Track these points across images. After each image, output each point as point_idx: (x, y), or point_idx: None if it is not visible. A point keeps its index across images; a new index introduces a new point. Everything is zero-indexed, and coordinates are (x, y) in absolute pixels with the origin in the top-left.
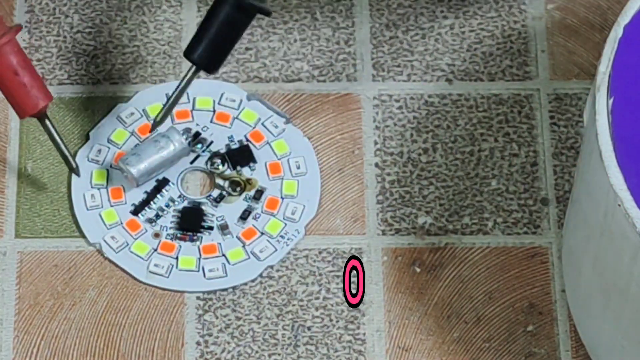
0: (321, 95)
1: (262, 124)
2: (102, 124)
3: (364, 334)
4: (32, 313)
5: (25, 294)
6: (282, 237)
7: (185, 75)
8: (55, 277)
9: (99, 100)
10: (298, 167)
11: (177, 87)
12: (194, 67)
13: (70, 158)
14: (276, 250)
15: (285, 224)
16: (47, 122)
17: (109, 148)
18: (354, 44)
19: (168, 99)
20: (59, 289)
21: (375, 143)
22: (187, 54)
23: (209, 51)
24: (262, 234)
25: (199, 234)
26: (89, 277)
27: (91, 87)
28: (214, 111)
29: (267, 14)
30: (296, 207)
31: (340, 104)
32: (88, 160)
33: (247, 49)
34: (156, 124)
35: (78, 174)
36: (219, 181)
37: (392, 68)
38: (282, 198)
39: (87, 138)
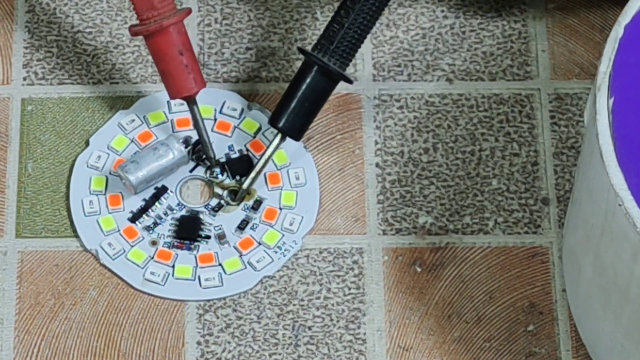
0: None
1: (263, 134)
2: (103, 130)
3: (365, 334)
4: (32, 313)
5: (26, 293)
6: (279, 248)
7: (271, 143)
8: (56, 276)
9: (99, 100)
10: (297, 178)
11: (263, 153)
12: (280, 135)
13: (210, 147)
14: (273, 261)
15: (283, 235)
16: (195, 107)
17: (108, 154)
18: None
19: (255, 166)
20: (60, 288)
21: (376, 143)
22: (273, 121)
23: (295, 119)
24: (259, 244)
25: (196, 243)
26: (89, 276)
27: (92, 87)
28: (215, 120)
29: (350, 82)
30: (294, 218)
31: (340, 104)
32: (87, 166)
33: (247, 48)
34: (243, 191)
35: (213, 165)
36: (218, 190)
37: (393, 68)
38: (281, 209)
39: (87, 144)
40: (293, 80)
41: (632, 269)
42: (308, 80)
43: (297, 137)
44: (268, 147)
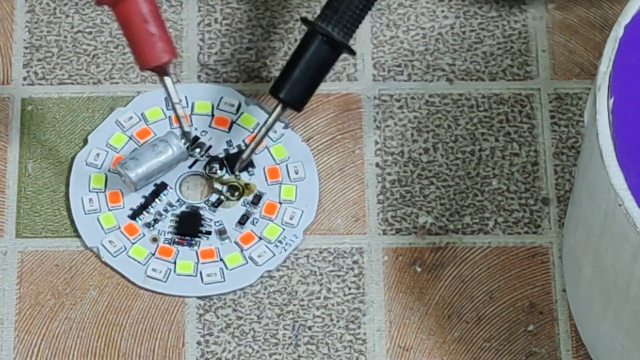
0: (321, 95)
1: (261, 129)
2: (101, 128)
3: (365, 334)
4: (32, 313)
5: (26, 293)
6: (280, 242)
7: (272, 113)
8: (56, 276)
9: (99, 100)
10: (296, 172)
11: (264, 124)
12: (281, 105)
13: (183, 121)
14: (274, 255)
15: (284, 229)
16: (167, 79)
17: (107, 152)
18: (354, 44)
19: (254, 137)
20: (60, 288)
21: (376, 143)
22: (274, 91)
23: (297, 89)
24: (260, 239)
25: (197, 239)
26: (89, 276)
27: (92, 87)
28: (213, 115)
29: (353, 53)
30: (294, 212)
31: (340, 104)
32: (86, 164)
33: (247, 48)
34: (243, 161)
35: (189, 140)
36: (217, 186)
37: (393, 68)
38: (281, 203)
39: (85, 142)
40: (295, 50)
41: (632, 269)
42: (311, 49)
43: (298, 108)
44: (269, 117)
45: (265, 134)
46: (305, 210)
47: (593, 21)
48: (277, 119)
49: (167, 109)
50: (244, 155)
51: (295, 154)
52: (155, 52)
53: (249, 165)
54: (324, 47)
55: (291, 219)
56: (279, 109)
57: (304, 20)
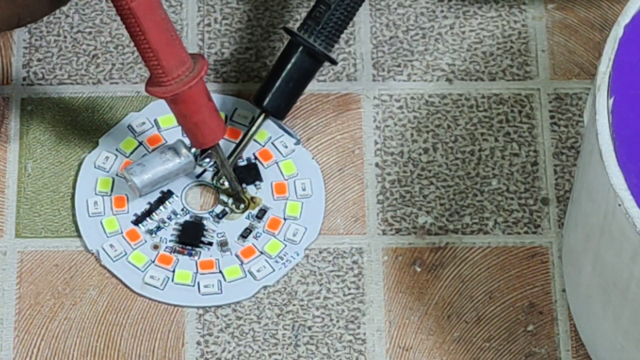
0: (321, 95)
1: (272, 143)
2: (113, 132)
3: (365, 334)
4: (32, 313)
5: (25, 293)
6: (280, 258)
7: (255, 122)
8: (56, 276)
9: (99, 100)
10: (304, 189)
11: (246, 133)
12: (264, 114)
13: (236, 182)
14: (274, 270)
15: (285, 245)
16: (218, 148)
17: (116, 156)
18: (354, 44)
19: (237, 145)
20: (60, 288)
21: (376, 143)
22: (257, 100)
23: (279, 98)
24: (261, 253)
25: (197, 249)
26: (89, 276)
27: (91, 87)
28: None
29: (335, 63)
30: (298, 229)
31: (340, 104)
32: (95, 167)
33: (247, 48)
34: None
35: (243, 201)
36: (224, 197)
37: (392, 68)
38: (285, 219)
39: (96, 144)
40: (278, 60)
41: (631, 269)
42: (293, 60)
43: (281, 117)
44: (252, 126)
45: (248, 142)
46: (309, 227)
47: (593, 21)
48: (259, 128)
49: None
50: (227, 164)
51: (304, 170)
52: (221, 124)
53: (257, 178)
54: (306, 58)
55: (294, 235)
56: (261, 118)
57: (286, 30)
